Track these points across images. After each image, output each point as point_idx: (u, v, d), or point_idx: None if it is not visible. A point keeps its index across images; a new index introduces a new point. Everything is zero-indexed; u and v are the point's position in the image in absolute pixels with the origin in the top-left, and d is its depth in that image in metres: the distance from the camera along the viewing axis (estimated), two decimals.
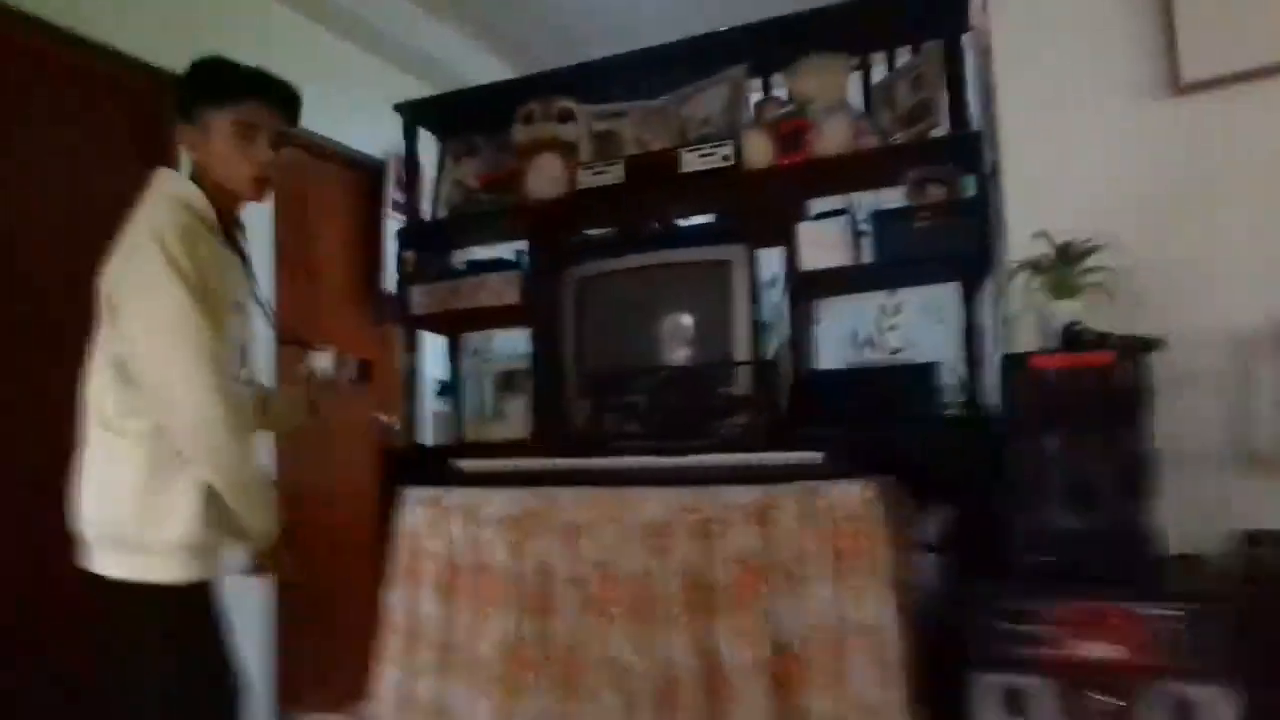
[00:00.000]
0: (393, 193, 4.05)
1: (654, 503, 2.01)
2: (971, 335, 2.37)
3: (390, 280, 3.76)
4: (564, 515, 2.07)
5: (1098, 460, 1.92)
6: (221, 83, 1.84)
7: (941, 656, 1.93)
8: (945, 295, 2.51)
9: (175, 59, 2.03)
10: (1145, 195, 2.19)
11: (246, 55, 1.89)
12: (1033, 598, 1.89)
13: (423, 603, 2.22)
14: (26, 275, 2.83)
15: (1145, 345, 1.91)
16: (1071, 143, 2.26)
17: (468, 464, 2.33)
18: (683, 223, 2.87)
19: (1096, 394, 1.93)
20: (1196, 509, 2.00)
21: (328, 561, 3.55)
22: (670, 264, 2.52)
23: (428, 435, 2.97)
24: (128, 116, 3.17)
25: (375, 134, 3.84)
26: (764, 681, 1.87)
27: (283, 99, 1.88)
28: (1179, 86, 2.14)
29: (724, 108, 2.55)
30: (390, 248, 3.72)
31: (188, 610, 1.75)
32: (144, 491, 1.70)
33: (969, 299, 2.41)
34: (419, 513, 2.27)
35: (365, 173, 4.13)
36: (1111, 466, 1.91)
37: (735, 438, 2.23)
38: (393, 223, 3.96)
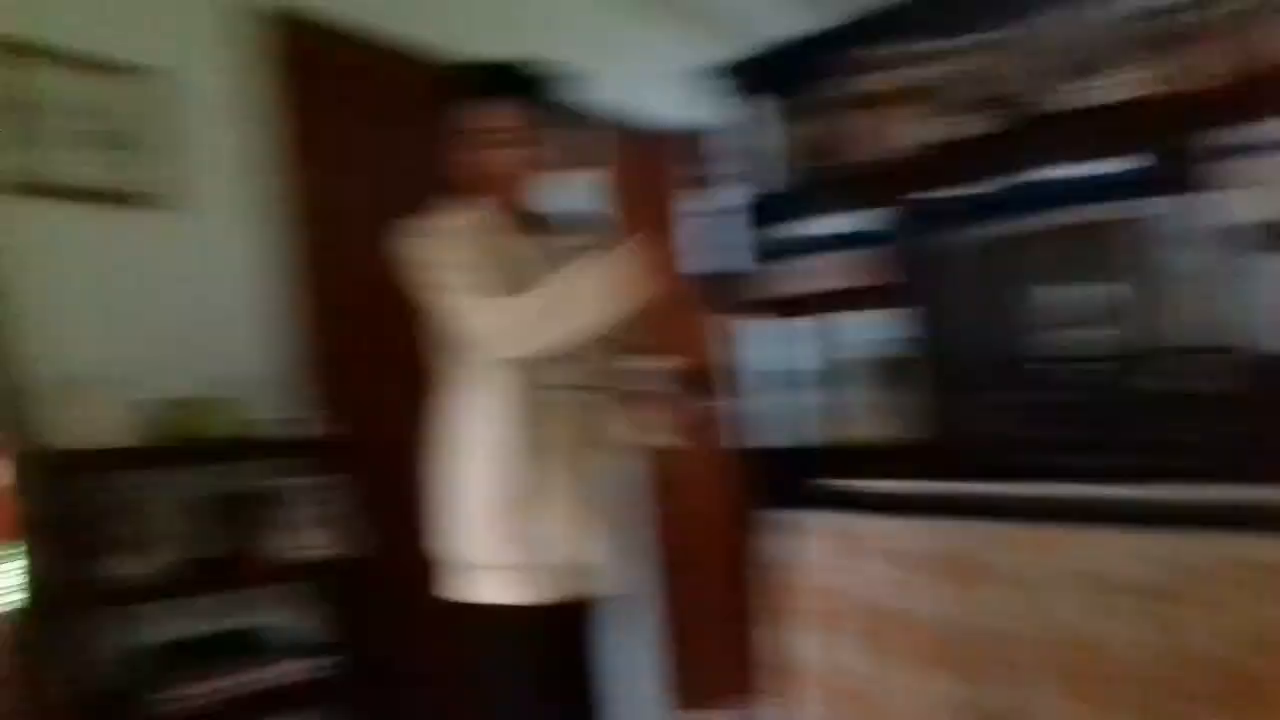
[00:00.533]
0: (697, 168, 3.92)
1: (1140, 549, 1.64)
2: None
3: (705, 261, 3.64)
4: (1011, 558, 1.76)
5: None
6: (456, 89, 1.86)
7: None
8: None
9: (462, 48, 2.03)
10: None
11: (532, 39, 1.84)
12: None
13: (843, 652, 1.98)
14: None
15: None
16: None
17: (856, 484, 2.11)
18: (1068, 173, 2.50)
19: None
20: None
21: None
22: (1067, 225, 2.18)
23: (772, 438, 2.71)
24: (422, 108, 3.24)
25: (665, 105, 3.73)
26: None
27: (514, 90, 1.83)
28: None
29: (1107, 23, 2.23)
30: (699, 225, 3.57)
31: (548, 631, 1.75)
32: (503, 512, 1.73)
33: None
34: (820, 545, 2.05)
35: (668, 144, 3.99)
36: None
37: (1197, 454, 1.74)
38: (693, 201, 3.81)
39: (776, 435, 2.63)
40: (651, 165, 4.10)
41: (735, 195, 2.97)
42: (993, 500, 1.85)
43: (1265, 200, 1.88)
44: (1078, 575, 1.66)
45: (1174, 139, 2.03)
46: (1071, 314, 2.08)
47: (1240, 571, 1.49)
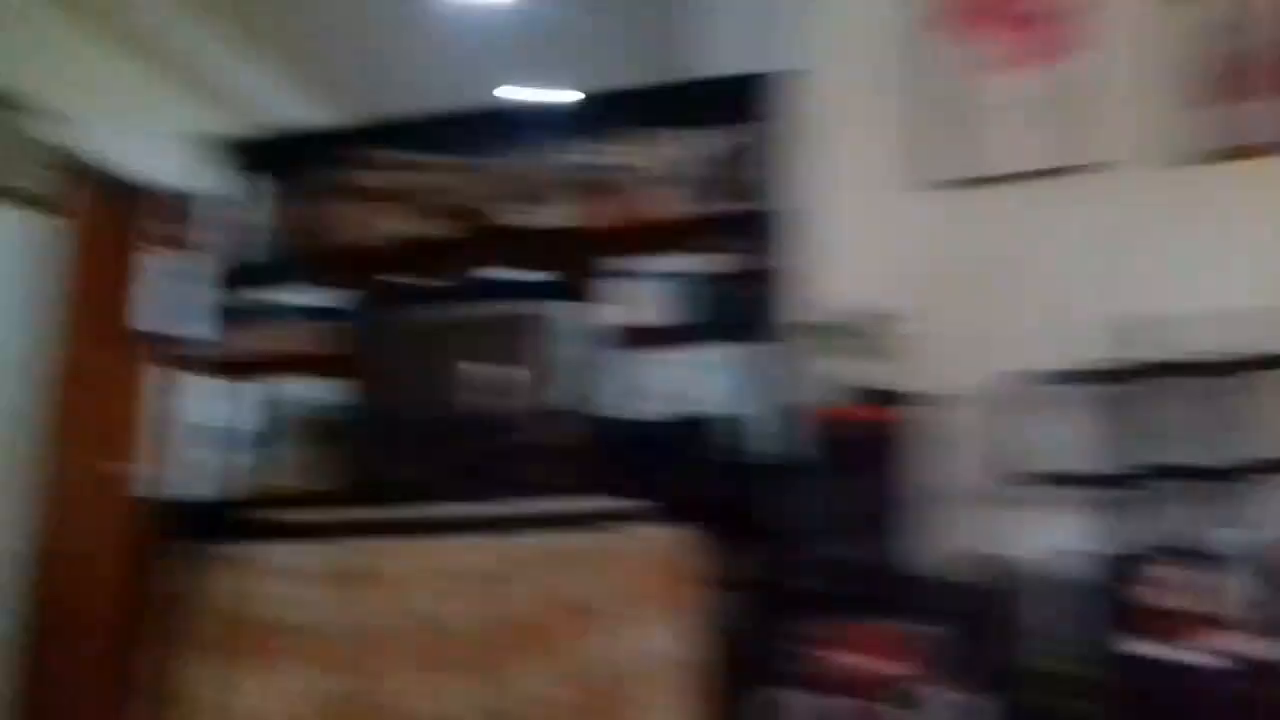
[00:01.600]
0: (172, 227, 3.87)
1: (471, 551, 2.14)
2: (766, 390, 2.65)
3: (150, 318, 3.58)
4: (386, 567, 2.12)
5: (872, 499, 2.21)
6: None
7: (741, 684, 2.12)
8: (741, 353, 2.78)
9: None
10: (913, 275, 2.67)
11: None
12: (828, 622, 2.12)
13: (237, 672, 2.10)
14: None
15: (913, 400, 2.25)
16: (860, 226, 2.73)
17: (276, 515, 2.27)
18: (502, 276, 2.98)
19: (875, 441, 2.23)
20: (943, 537, 2.35)
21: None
22: (490, 316, 2.67)
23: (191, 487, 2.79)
24: None
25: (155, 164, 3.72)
26: None
27: None
28: (942, 183, 2.68)
29: (551, 169, 2.93)
30: (153, 283, 3.53)
31: None
32: None
33: (764, 357, 2.71)
34: (229, 572, 2.17)
35: (148, 201, 3.91)
36: (883, 504, 2.21)
37: (546, 484, 2.41)
38: (159, 259, 3.77)
39: (203, 484, 2.58)
40: (120, 218, 3.95)
41: (205, 259, 3.01)
42: (385, 522, 2.23)
43: (625, 311, 2.57)
44: (436, 572, 1.96)
45: (578, 261, 2.58)
46: (483, 385, 2.45)
47: (549, 558, 1.91)
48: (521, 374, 2.62)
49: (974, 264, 2.64)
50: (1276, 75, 2.49)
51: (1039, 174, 2.61)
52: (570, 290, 2.76)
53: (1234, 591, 2.24)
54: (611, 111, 2.89)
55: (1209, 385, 2.42)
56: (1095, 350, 2.46)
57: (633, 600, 2.09)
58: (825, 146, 2.71)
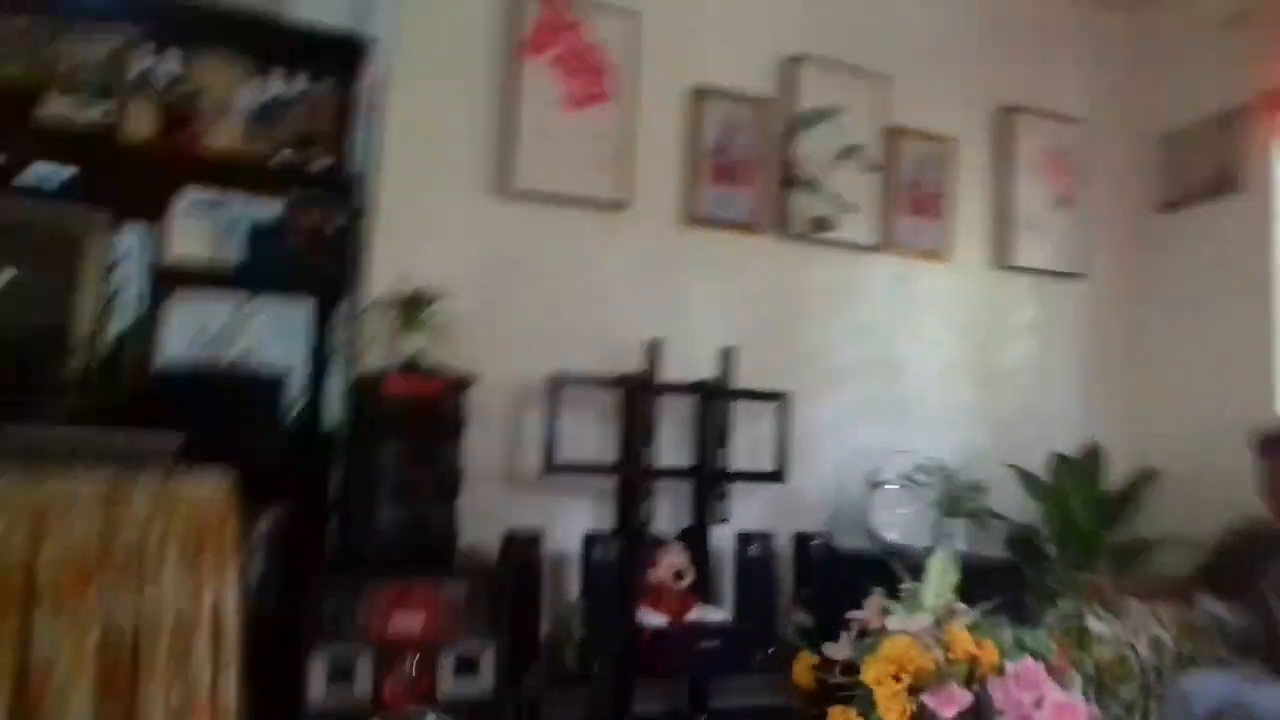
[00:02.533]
0: None
1: None
2: (320, 351, 2.61)
3: None
4: None
5: (423, 470, 2.29)
6: None
7: (278, 637, 2.02)
8: (298, 309, 2.69)
9: None
10: (476, 266, 2.83)
11: None
12: (359, 582, 2.11)
13: None
14: None
15: (465, 381, 2.38)
16: (433, 211, 2.81)
17: None
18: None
19: (428, 416, 2.32)
20: (482, 512, 2.46)
21: None
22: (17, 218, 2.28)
23: None
24: None
25: None
26: (89, 676, 1.79)
27: None
28: (510, 192, 2.87)
29: (106, 60, 2.52)
30: None
31: None
32: None
33: (323, 317, 2.67)
34: None
35: None
36: (433, 476, 2.29)
37: (81, 413, 2.14)
38: None
39: None
40: None
41: None
42: None
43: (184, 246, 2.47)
44: None
45: (137, 178, 2.48)
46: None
47: (77, 500, 1.81)
48: (55, 290, 2.29)
49: (530, 269, 2.89)
50: (748, 173, 3.18)
51: (594, 203, 2.97)
52: (124, 206, 2.46)
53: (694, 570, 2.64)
54: (193, 25, 2.62)
55: (695, 402, 2.89)
56: (617, 361, 2.82)
57: (174, 551, 1.89)
58: (409, 130, 2.78)
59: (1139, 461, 3.42)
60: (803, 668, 1.74)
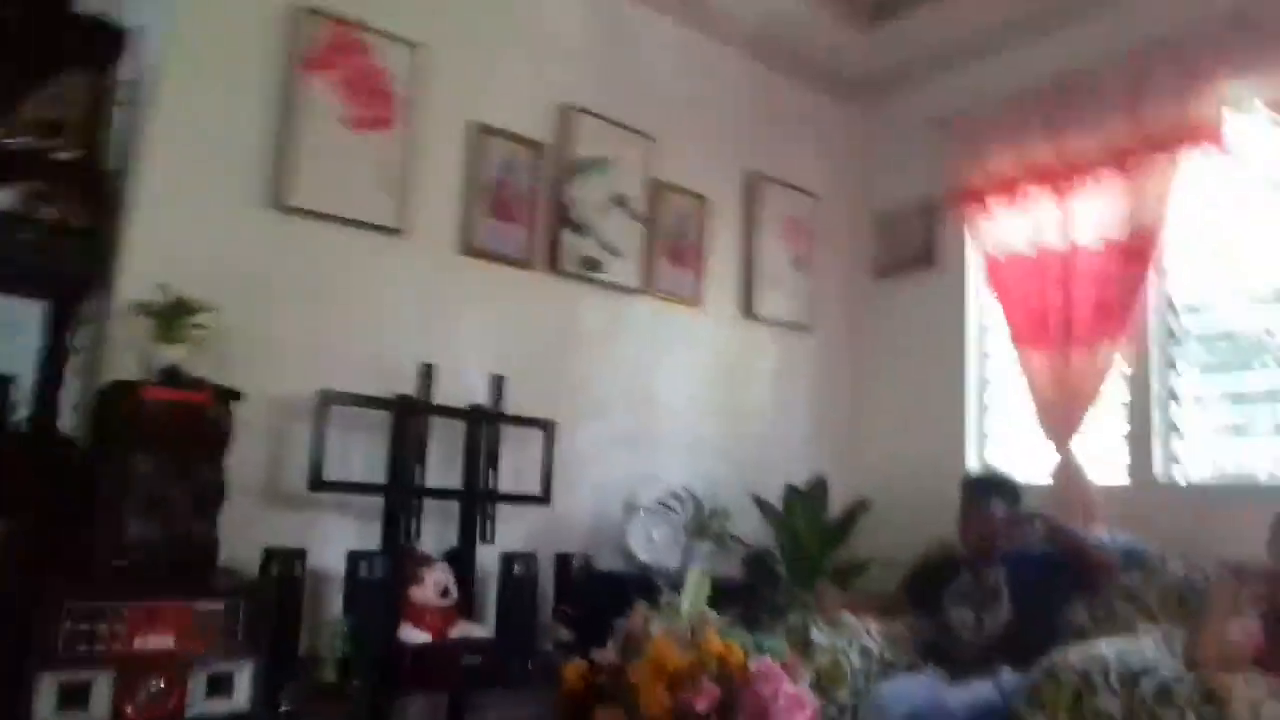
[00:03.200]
0: None
1: None
2: (56, 355, 2.39)
3: None
4: None
5: (181, 483, 2.18)
6: None
7: (26, 664, 1.85)
8: (30, 309, 2.44)
9: None
10: (244, 279, 2.71)
11: None
12: (101, 598, 1.98)
13: None
14: None
15: (233, 394, 2.30)
16: (199, 217, 2.68)
17: None
18: None
19: (190, 427, 2.22)
20: (243, 528, 2.38)
21: None
22: None
23: None
24: None
25: None
26: None
27: None
28: (284, 206, 2.80)
29: None
30: None
31: None
32: None
33: (60, 321, 2.44)
34: None
35: None
36: (192, 490, 2.19)
37: None
38: None
39: None
40: None
41: None
42: None
43: None
44: None
45: None
46: None
47: None
48: None
49: (303, 286, 2.84)
50: (524, 211, 3.31)
51: (372, 226, 2.97)
52: None
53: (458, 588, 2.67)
54: None
55: (465, 426, 2.94)
56: (389, 383, 2.82)
57: None
58: (178, 130, 2.65)
59: (856, 492, 3.86)
60: (573, 673, 1.84)
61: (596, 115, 3.55)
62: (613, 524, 3.27)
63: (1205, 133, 3.13)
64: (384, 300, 3.02)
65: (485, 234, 3.25)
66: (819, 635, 2.84)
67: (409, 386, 2.86)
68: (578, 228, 3.47)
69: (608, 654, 1.83)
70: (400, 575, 2.64)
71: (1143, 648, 2.45)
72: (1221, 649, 2.21)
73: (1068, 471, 3.33)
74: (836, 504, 3.79)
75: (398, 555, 2.70)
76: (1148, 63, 3.29)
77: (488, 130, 3.27)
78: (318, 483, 2.65)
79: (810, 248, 4.23)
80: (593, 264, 3.50)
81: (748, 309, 3.98)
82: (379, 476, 2.79)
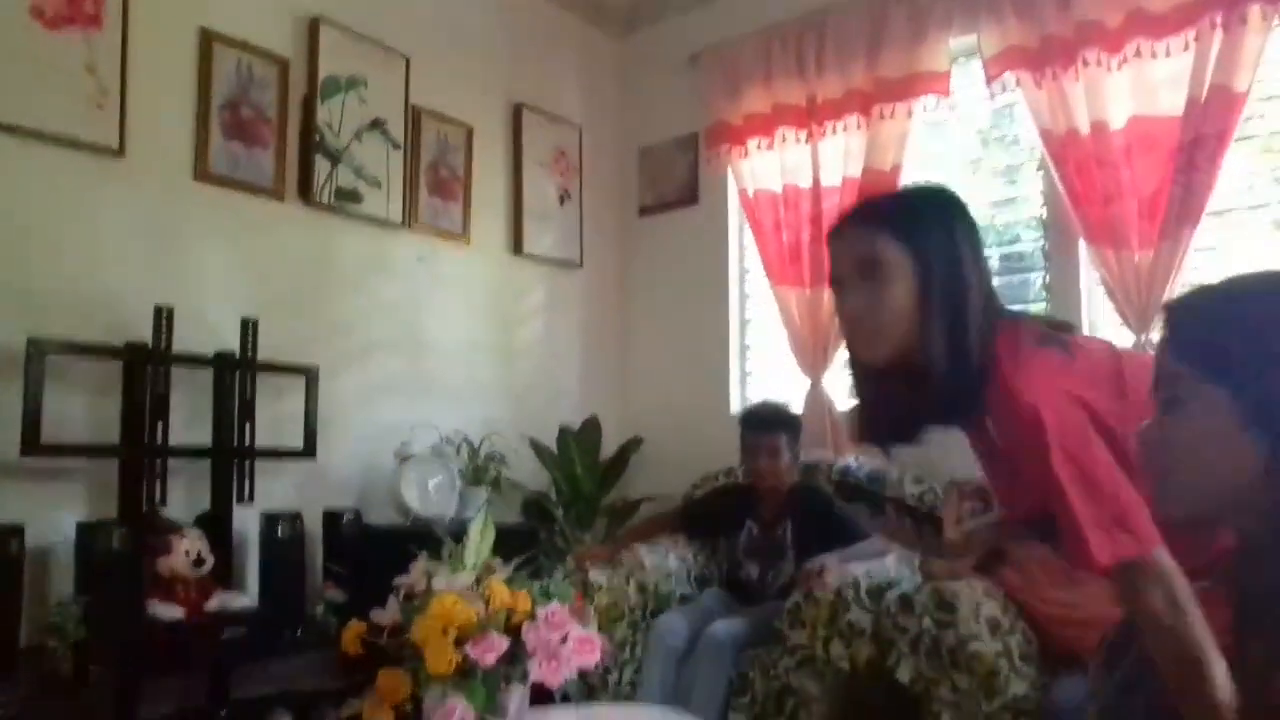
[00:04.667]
0: None
1: None
2: None
3: None
4: None
5: None
6: None
7: None
8: None
9: None
10: None
11: None
12: None
13: None
14: None
15: None
16: None
17: None
18: None
19: None
20: None
21: None
22: None
23: None
24: None
25: None
26: None
27: None
28: None
29: None
30: None
31: None
32: None
33: None
34: None
35: None
36: None
37: None
38: None
39: None
40: None
41: None
42: None
43: None
44: None
45: None
46: None
47: None
48: None
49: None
50: (267, 134, 3.02)
51: (81, 145, 2.57)
52: None
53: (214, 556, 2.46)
54: None
55: (212, 376, 2.68)
56: (118, 329, 2.51)
57: None
58: None
59: (629, 431, 3.94)
60: (351, 636, 1.74)
61: (345, 28, 3.26)
62: (384, 476, 3.12)
63: (934, 83, 3.39)
64: (105, 234, 2.65)
65: (225, 159, 2.92)
66: (597, 576, 2.90)
67: (144, 333, 2.54)
68: (331, 154, 3.20)
69: (387, 614, 1.74)
70: (144, 546, 2.38)
71: (887, 565, 2.71)
72: (948, 562, 2.47)
73: (819, 402, 3.58)
74: (610, 444, 3.86)
75: (139, 524, 2.43)
76: (884, 10, 3.50)
77: (221, 39, 2.92)
78: (34, 446, 2.31)
79: (577, 183, 4.20)
80: (349, 195, 3.25)
81: (517, 246, 3.89)
82: (112, 437, 2.49)
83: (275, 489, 2.84)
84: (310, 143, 3.15)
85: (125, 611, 2.25)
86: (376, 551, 2.80)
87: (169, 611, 2.33)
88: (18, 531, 2.21)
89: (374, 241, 3.36)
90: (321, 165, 3.17)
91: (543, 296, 4.04)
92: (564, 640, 1.73)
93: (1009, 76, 3.18)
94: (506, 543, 3.14)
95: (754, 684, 2.64)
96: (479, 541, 1.85)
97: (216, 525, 2.59)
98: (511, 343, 3.88)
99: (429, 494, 3.12)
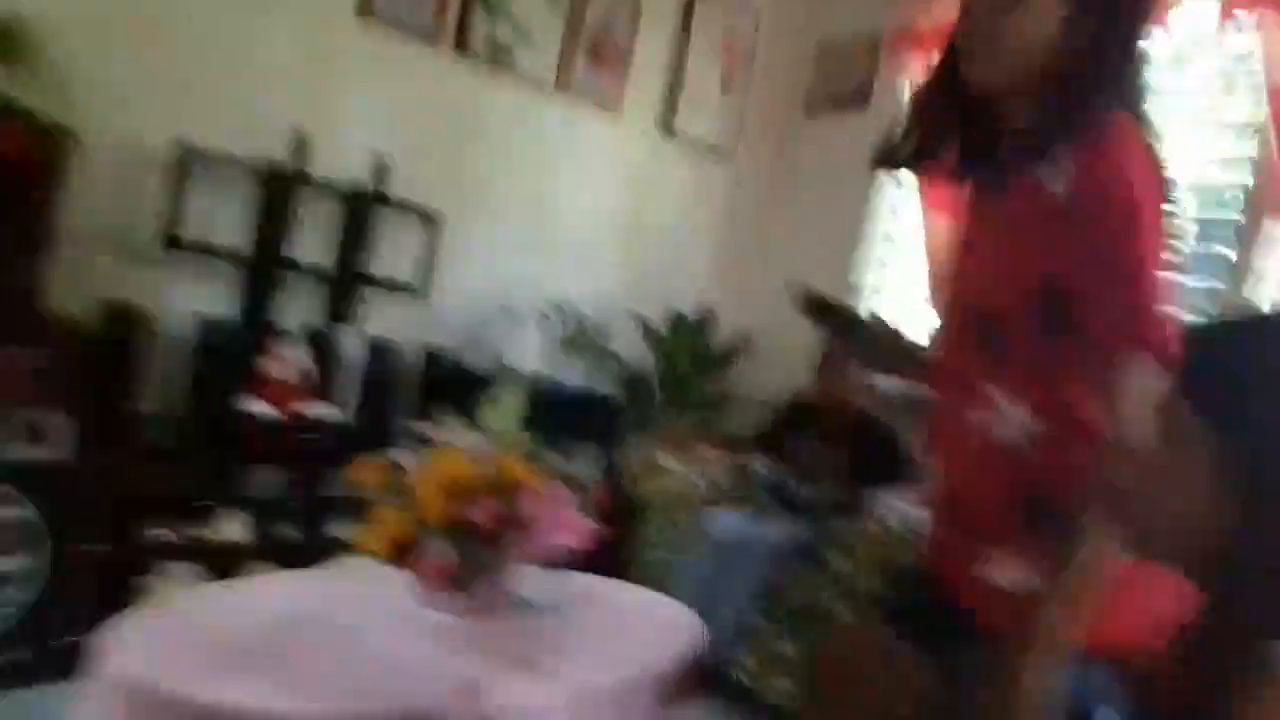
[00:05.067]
0: None
1: None
2: None
3: None
4: None
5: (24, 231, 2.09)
6: None
7: None
8: None
9: None
10: (90, 5, 2.49)
11: None
12: None
13: None
14: None
15: (64, 131, 2.16)
16: None
17: None
18: None
19: (12, 165, 2.09)
20: (86, 282, 2.32)
21: None
22: None
23: None
24: None
25: None
26: None
27: None
28: None
29: None
30: None
31: None
32: None
33: None
34: None
35: None
36: (14, 232, 2.09)
37: None
38: None
39: None
40: None
41: None
42: None
43: None
44: None
45: None
46: None
47: None
48: None
49: (163, 20, 2.63)
50: None
51: None
52: None
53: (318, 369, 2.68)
54: None
55: (341, 204, 2.85)
56: (262, 145, 2.71)
57: None
58: None
59: (744, 327, 3.89)
60: (370, 470, 1.86)
61: None
62: (490, 326, 3.27)
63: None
64: (261, 51, 2.82)
65: None
66: (669, 461, 2.96)
67: (282, 152, 2.74)
68: (491, 6, 3.23)
69: (406, 457, 1.86)
70: (254, 345, 2.64)
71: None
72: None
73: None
74: (724, 335, 3.83)
75: (254, 326, 2.69)
76: None
77: None
78: (173, 240, 2.58)
79: (740, 69, 4.05)
80: (503, 51, 3.29)
81: (668, 126, 3.84)
82: (243, 244, 2.73)
83: (387, 320, 3.03)
84: None
85: (225, 401, 2.53)
86: (470, 395, 2.96)
87: (264, 408, 2.60)
88: (142, 312, 2.51)
89: (519, 100, 3.39)
90: (480, 16, 3.20)
91: (687, 181, 4.00)
92: (546, 517, 1.79)
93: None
94: (591, 409, 3.25)
95: (787, 595, 2.66)
96: (505, 408, 1.93)
97: (324, 342, 2.83)
98: (643, 221, 3.88)
99: (530, 352, 3.25)
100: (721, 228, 4.15)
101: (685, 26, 3.83)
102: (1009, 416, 1.14)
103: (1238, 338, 0.89)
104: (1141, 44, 1.16)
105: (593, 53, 3.54)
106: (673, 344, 3.70)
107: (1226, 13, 2.83)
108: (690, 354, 3.70)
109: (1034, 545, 1.10)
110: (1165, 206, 1.07)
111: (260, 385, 2.62)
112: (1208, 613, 0.87)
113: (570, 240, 3.63)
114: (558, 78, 3.44)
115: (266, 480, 2.65)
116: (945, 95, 1.27)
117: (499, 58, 3.28)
